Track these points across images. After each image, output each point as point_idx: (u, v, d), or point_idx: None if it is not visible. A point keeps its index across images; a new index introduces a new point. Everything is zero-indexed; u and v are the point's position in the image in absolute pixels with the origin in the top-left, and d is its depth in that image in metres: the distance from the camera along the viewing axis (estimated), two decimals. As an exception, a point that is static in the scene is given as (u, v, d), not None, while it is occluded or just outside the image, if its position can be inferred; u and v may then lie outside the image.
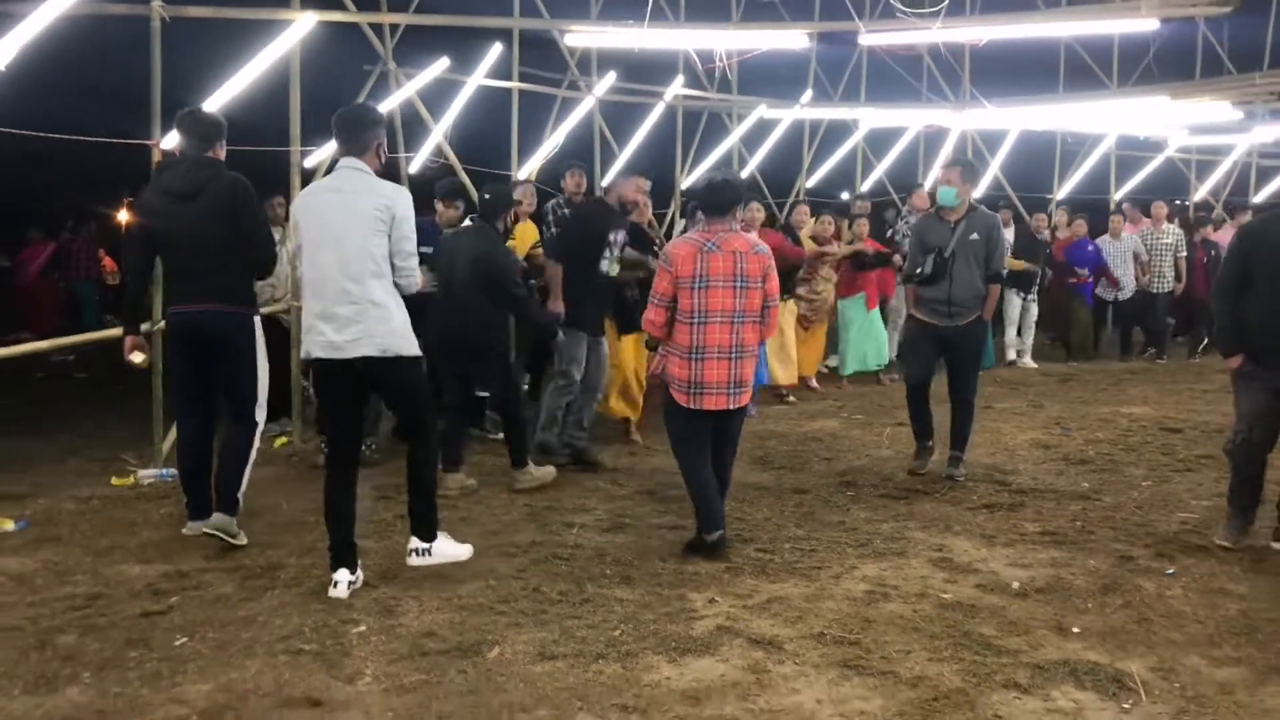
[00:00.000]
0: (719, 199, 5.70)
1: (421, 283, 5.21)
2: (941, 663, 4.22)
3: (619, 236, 7.63)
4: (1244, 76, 12.88)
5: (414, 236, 5.00)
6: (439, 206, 7.50)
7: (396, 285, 4.97)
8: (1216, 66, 16.12)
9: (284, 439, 8.10)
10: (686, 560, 5.45)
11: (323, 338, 4.87)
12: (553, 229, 8.70)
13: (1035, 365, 12.80)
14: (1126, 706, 3.88)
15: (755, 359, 5.79)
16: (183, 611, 4.73)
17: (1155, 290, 13.47)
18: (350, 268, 4.83)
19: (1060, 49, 15.59)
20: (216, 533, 5.53)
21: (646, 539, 5.84)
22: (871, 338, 10.95)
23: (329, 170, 5.58)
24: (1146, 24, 9.50)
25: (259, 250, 5.77)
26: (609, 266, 7.47)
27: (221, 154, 5.82)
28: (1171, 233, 13.56)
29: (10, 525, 5.95)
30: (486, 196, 6.98)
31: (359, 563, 5.05)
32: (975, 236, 7.01)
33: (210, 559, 5.41)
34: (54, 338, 7.74)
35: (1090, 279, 13.24)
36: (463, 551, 5.27)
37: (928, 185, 13.09)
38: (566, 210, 8.82)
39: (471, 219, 7.10)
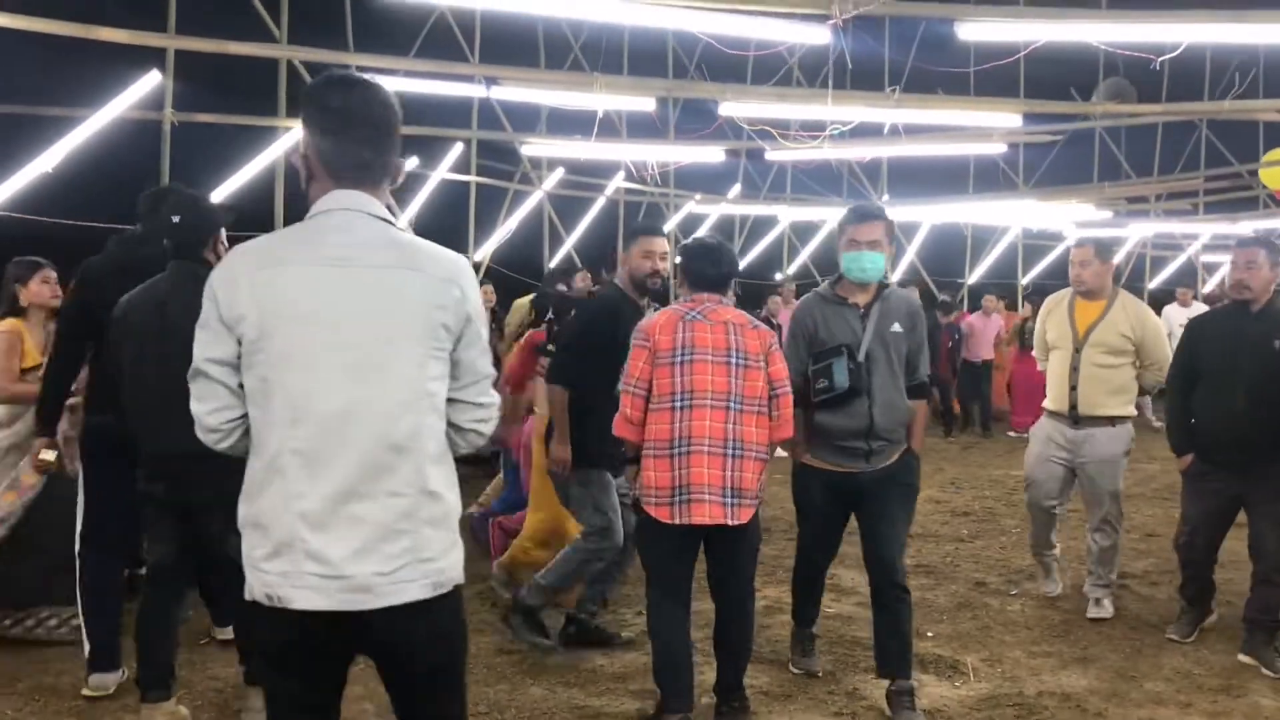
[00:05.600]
0: (710, 269, 4.52)
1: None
2: (818, 655, 5.34)
3: None
4: (1095, 185, 14.57)
5: (488, 348, 2.67)
6: None
7: (456, 442, 2.62)
8: (1115, 169, 17.97)
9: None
10: (624, 583, 6.48)
11: (317, 568, 2.38)
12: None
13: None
14: (958, 685, 5.02)
15: (761, 464, 4.37)
16: (199, 619, 5.71)
17: None
18: (392, 425, 2.43)
19: (970, 156, 17.23)
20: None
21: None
22: None
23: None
24: (995, 148, 11.18)
25: None
26: None
27: None
28: None
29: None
30: (176, 220, 4.42)
31: None
32: (896, 327, 4.67)
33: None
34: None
35: None
36: None
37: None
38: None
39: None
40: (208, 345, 2.46)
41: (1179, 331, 15.40)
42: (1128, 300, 6.08)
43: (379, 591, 2.41)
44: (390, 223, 2.55)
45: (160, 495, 4.29)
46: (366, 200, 2.49)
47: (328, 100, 2.50)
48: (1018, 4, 8.64)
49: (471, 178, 13.04)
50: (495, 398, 2.66)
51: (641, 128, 12.93)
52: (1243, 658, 5.27)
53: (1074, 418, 5.94)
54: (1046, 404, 6.18)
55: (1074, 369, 5.93)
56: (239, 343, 2.42)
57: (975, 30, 7.52)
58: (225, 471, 4.13)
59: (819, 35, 7.30)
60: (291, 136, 8.66)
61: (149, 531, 4.47)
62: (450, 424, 2.57)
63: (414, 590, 2.44)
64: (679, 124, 11.44)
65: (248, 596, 2.46)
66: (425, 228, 12.63)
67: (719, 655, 4.59)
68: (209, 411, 2.50)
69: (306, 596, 2.39)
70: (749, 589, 4.57)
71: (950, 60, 11.18)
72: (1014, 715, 4.64)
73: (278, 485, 2.41)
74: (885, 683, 4.80)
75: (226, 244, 4.50)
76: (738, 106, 9.50)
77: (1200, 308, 14.91)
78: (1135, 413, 6.12)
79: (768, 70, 11.62)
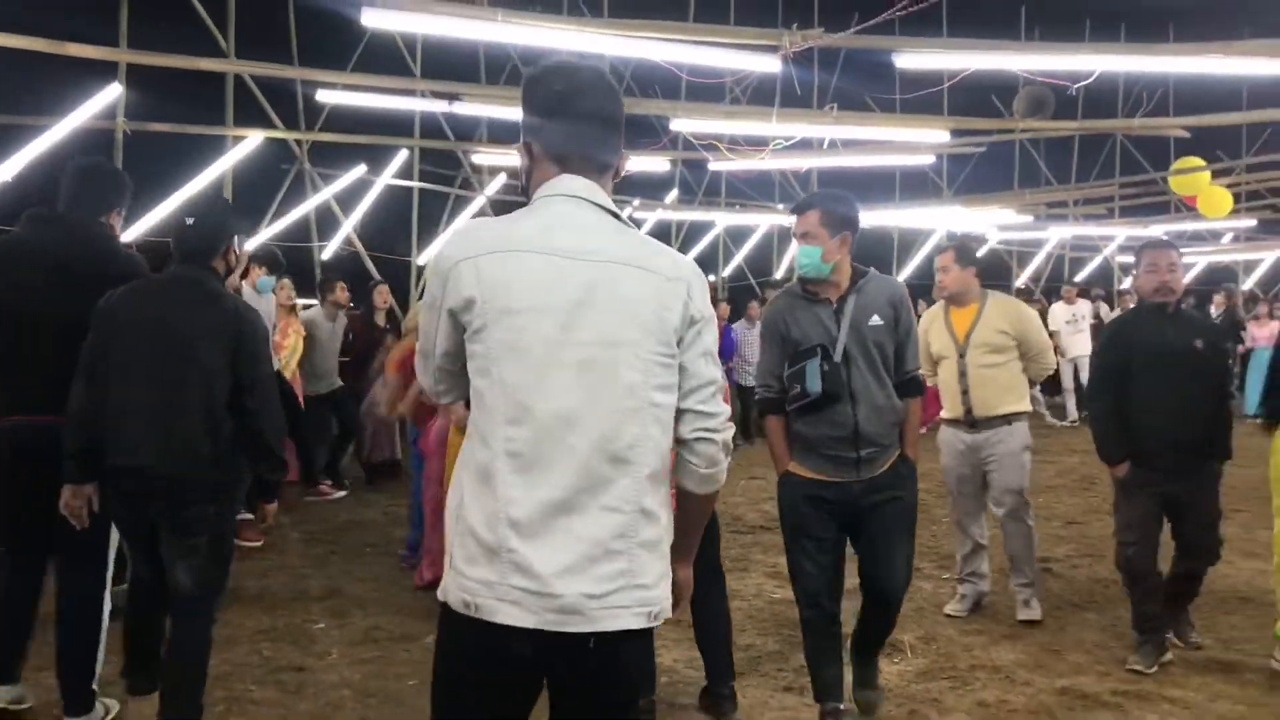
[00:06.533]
0: None
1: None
2: (766, 636, 5.69)
3: None
4: (1016, 192, 15.23)
5: (714, 354, 2.39)
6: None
7: (689, 460, 2.38)
8: (1035, 176, 18.74)
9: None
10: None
11: (524, 582, 2.19)
12: None
13: None
14: (896, 661, 5.39)
15: None
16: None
17: None
18: (615, 433, 2.24)
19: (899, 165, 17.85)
20: None
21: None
22: None
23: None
24: (924, 159, 11.72)
25: None
26: None
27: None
28: None
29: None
30: (190, 222, 4.16)
31: None
32: (876, 320, 4.25)
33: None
34: None
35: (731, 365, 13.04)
36: None
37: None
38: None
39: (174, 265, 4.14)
40: (433, 331, 2.35)
41: (1065, 329, 15.44)
42: (999, 299, 6.21)
43: (590, 615, 2.19)
44: (618, 216, 2.36)
45: (125, 517, 4.08)
46: (594, 189, 2.33)
47: (552, 82, 2.36)
48: (941, 35, 9.16)
49: (414, 183, 13.29)
50: (725, 408, 2.37)
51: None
52: None
53: (970, 421, 6.02)
54: (944, 414, 6.25)
55: (962, 374, 6.00)
56: (463, 329, 2.27)
57: (910, 60, 8.03)
58: (190, 498, 3.95)
59: (770, 65, 7.73)
60: (245, 147, 8.84)
61: (127, 548, 4.27)
62: (678, 440, 2.34)
63: (627, 618, 2.23)
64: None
65: (440, 598, 2.29)
66: (370, 231, 12.87)
67: (706, 642, 4.70)
68: (435, 393, 2.47)
69: (510, 612, 2.18)
70: (719, 571, 4.80)
71: (882, 84, 11.80)
72: (949, 686, 5.03)
73: (490, 487, 2.22)
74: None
75: (239, 251, 4.28)
76: (687, 122, 9.99)
77: (1084, 305, 15.27)
78: (1030, 408, 6.19)
79: (705, 86, 12.15)
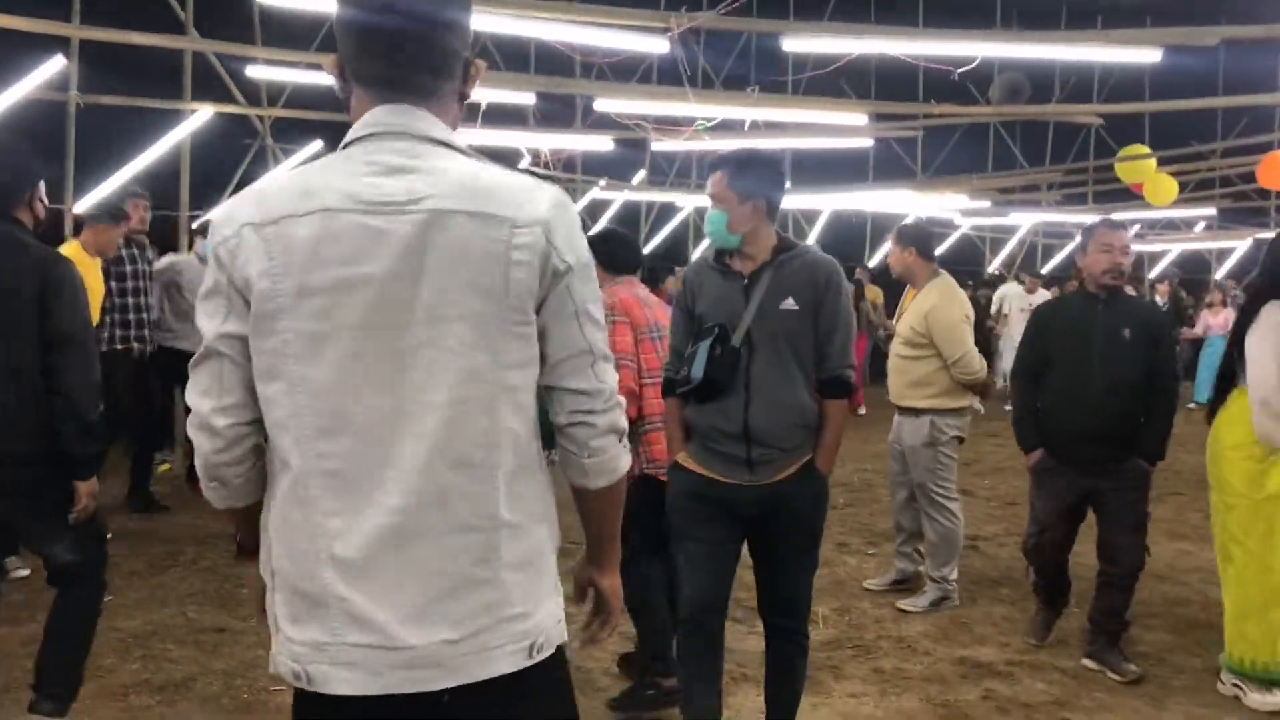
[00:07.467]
0: (633, 255, 4.75)
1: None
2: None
3: None
4: (964, 177, 15.38)
5: (592, 313, 1.87)
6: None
7: (570, 451, 1.91)
8: (1009, 159, 18.89)
9: (166, 465, 9.02)
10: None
11: (362, 637, 1.75)
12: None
13: None
14: (809, 631, 5.55)
15: None
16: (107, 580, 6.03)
17: None
18: (457, 432, 1.77)
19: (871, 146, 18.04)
20: None
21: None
22: None
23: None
24: (863, 142, 11.98)
25: None
26: None
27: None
28: None
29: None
30: None
31: None
32: (790, 303, 3.61)
33: (122, 549, 6.68)
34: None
35: None
36: None
37: None
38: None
39: None
40: (221, 317, 1.78)
41: (1018, 316, 15.53)
42: (931, 290, 5.91)
43: (452, 665, 1.76)
44: (452, 147, 1.83)
45: None
46: (419, 119, 1.80)
47: None
48: (917, 24, 9.38)
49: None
50: (608, 382, 1.88)
51: (545, 117, 13.42)
52: (1087, 663, 5.05)
53: (895, 405, 6.06)
54: None
55: (886, 356, 6.07)
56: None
57: (798, 43, 8.30)
58: (36, 484, 3.61)
59: (659, 45, 7.95)
60: (196, 120, 8.95)
61: None
62: (555, 427, 1.89)
63: (502, 660, 1.79)
64: (562, 114, 12.20)
65: (270, 669, 1.85)
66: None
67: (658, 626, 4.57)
68: (218, 409, 1.80)
69: (348, 677, 1.74)
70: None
71: (800, 68, 11.99)
72: (851, 655, 5.19)
73: (300, 520, 1.76)
74: (743, 628, 5.28)
75: (46, 200, 3.88)
76: (610, 102, 10.20)
77: (1044, 295, 15.45)
78: (946, 406, 5.89)
79: (633, 70, 12.45)
